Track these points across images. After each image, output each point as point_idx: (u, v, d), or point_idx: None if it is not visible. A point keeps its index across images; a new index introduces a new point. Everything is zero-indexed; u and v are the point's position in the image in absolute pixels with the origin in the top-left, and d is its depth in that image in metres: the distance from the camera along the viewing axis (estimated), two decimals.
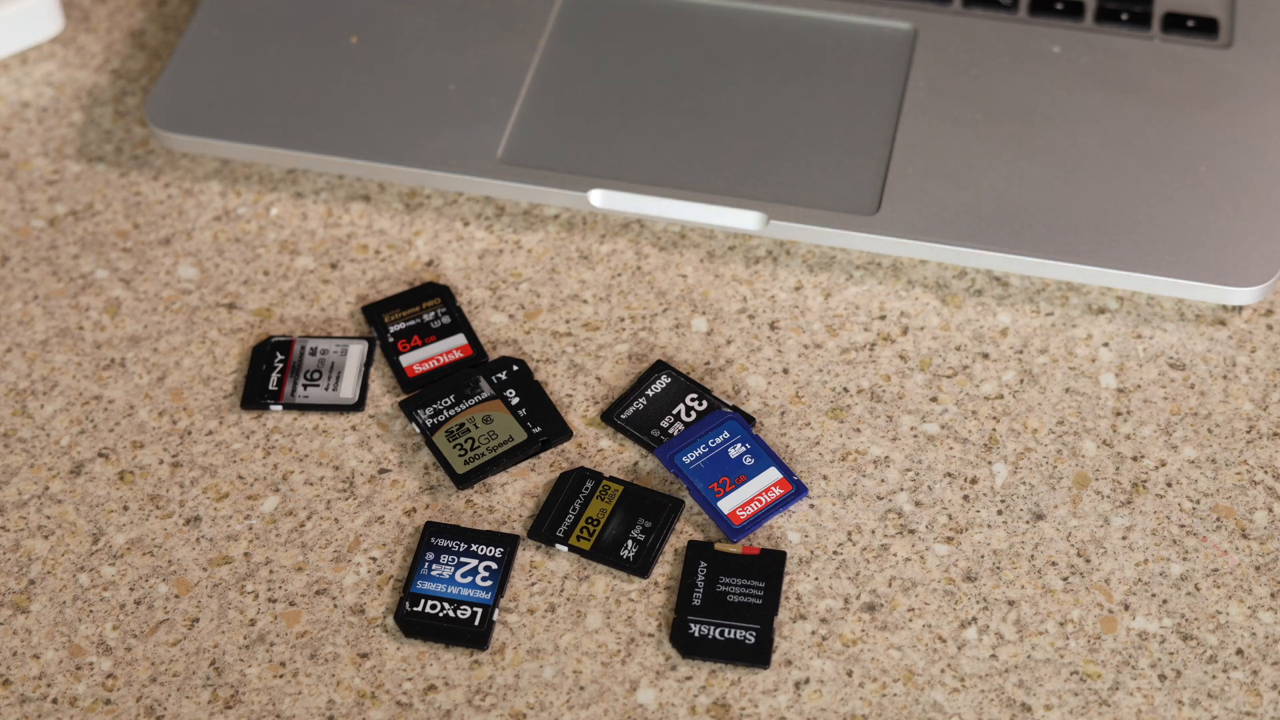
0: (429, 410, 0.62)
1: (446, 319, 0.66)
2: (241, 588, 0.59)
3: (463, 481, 0.61)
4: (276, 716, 0.57)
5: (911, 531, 0.60)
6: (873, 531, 0.61)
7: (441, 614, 0.58)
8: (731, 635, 0.58)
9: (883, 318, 0.67)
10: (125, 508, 0.62)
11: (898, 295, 0.67)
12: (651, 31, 0.74)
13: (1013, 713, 0.56)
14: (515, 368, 0.64)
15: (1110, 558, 0.60)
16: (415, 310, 0.66)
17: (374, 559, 0.60)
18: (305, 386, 0.64)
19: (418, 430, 0.63)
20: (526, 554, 0.60)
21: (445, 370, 0.65)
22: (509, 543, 0.60)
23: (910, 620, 0.58)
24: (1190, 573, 0.60)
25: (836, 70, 0.73)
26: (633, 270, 0.68)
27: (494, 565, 0.59)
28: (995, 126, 0.70)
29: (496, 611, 0.58)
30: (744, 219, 0.68)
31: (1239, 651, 0.58)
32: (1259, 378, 0.65)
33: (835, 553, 0.60)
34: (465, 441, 0.61)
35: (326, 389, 0.64)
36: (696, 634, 0.58)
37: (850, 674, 0.57)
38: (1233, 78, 0.72)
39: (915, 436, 0.63)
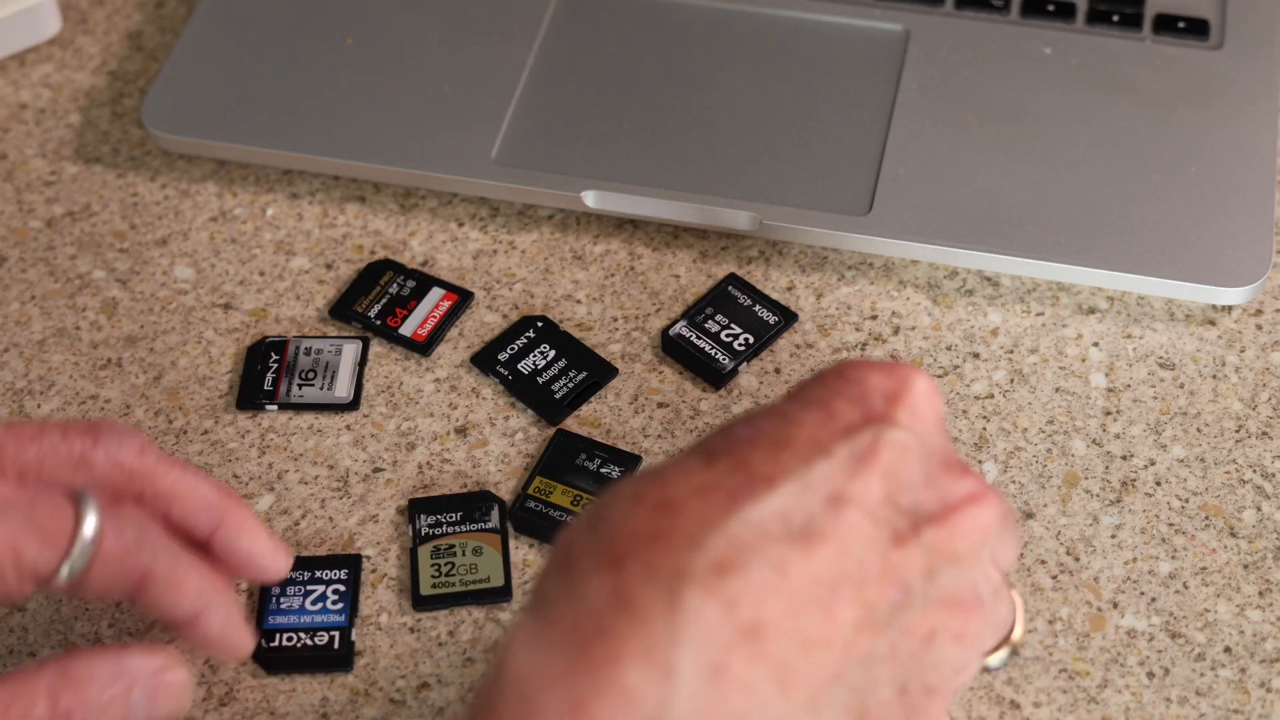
0: (430, 518, 0.61)
1: (411, 283, 0.67)
2: (235, 585, 0.60)
3: (420, 603, 0.59)
4: (270, 714, 0.57)
5: None
6: None
7: (299, 644, 0.58)
8: None
9: (874, 317, 0.67)
10: None
11: (889, 295, 0.67)
12: (645, 33, 0.74)
13: (1001, 710, 0.57)
14: (540, 324, 0.66)
15: (1099, 556, 0.60)
16: (377, 290, 0.67)
17: (368, 557, 0.61)
18: (300, 386, 0.65)
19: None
20: (519, 552, 0.61)
21: (448, 319, 0.66)
22: (352, 562, 0.60)
23: None
24: (1179, 571, 0.60)
25: (829, 71, 0.73)
26: (626, 270, 0.69)
27: (341, 587, 0.59)
28: (987, 127, 0.70)
29: (354, 632, 0.58)
30: (736, 219, 0.68)
31: (1227, 649, 0.58)
32: (1248, 377, 0.65)
33: None
34: (445, 564, 0.60)
35: (321, 388, 0.65)
36: None
37: None
38: (1223, 79, 0.72)
39: None
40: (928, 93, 0.72)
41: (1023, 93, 0.72)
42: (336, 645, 0.58)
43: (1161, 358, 0.66)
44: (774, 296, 0.67)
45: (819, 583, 0.43)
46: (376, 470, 0.63)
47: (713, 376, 0.65)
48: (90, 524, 0.51)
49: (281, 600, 0.59)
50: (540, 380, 0.64)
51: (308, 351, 0.66)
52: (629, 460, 0.62)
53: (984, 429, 0.63)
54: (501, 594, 0.59)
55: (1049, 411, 0.64)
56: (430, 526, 0.61)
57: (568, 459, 0.62)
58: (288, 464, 0.63)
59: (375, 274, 0.68)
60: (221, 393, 0.65)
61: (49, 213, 0.71)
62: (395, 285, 0.67)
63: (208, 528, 0.55)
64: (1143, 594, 0.59)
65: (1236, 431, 0.64)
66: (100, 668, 0.50)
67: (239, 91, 0.72)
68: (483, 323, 0.67)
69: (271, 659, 0.58)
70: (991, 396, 0.65)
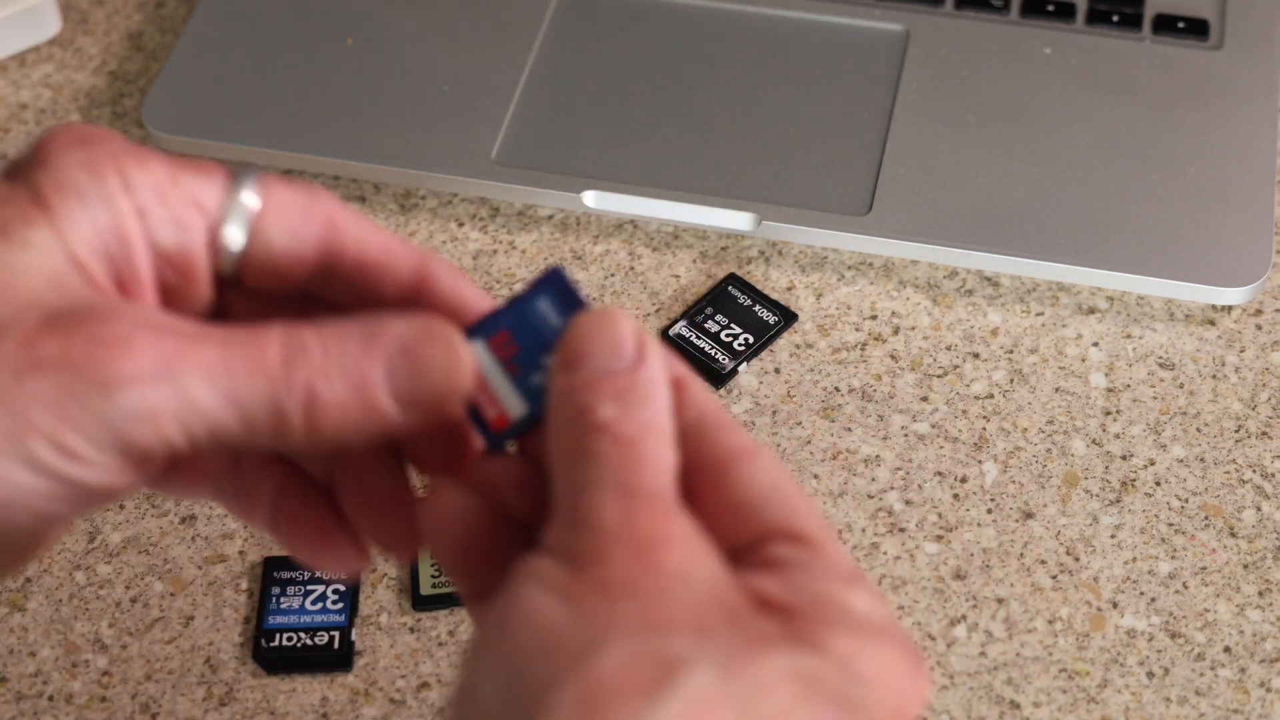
0: None
1: None
2: (236, 585, 0.60)
3: (420, 603, 0.59)
4: (271, 714, 0.57)
5: (901, 530, 0.61)
6: (863, 530, 0.61)
7: (300, 644, 0.58)
8: None
9: (874, 318, 0.67)
10: (121, 506, 0.62)
11: (889, 295, 0.67)
12: (645, 33, 0.74)
13: (1001, 710, 0.57)
14: None
15: (1099, 556, 0.60)
16: None
17: None
18: None
19: None
20: None
21: None
22: None
23: (900, 618, 0.59)
24: (1179, 571, 0.60)
25: (829, 71, 0.73)
26: (626, 270, 0.69)
27: (341, 587, 0.59)
28: (987, 127, 0.70)
29: (354, 632, 0.58)
30: (736, 219, 0.68)
31: (1227, 649, 0.58)
32: (1248, 377, 0.65)
33: None
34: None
35: None
36: None
37: None
38: (1223, 79, 0.72)
39: (906, 436, 0.63)
40: (928, 93, 0.72)
41: (1023, 93, 0.72)
42: (336, 645, 0.58)
43: (1161, 358, 0.66)
44: (774, 296, 0.67)
45: None
46: None
47: (713, 376, 0.65)
48: (248, 175, 0.41)
49: (281, 600, 0.59)
50: None
51: None
52: None
53: (984, 429, 0.63)
54: None
55: (1049, 411, 0.64)
56: None
57: None
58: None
59: None
60: None
61: None
62: None
63: (406, 275, 0.42)
64: (1142, 594, 0.59)
65: (1236, 431, 0.64)
66: (344, 325, 0.39)
67: (239, 91, 0.72)
68: None
69: (271, 659, 0.58)
70: (991, 396, 0.65)
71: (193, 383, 0.37)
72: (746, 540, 0.38)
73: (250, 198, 0.40)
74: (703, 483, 0.39)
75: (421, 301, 0.42)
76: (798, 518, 0.38)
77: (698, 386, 0.40)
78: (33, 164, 0.39)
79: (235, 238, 0.41)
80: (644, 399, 0.38)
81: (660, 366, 0.39)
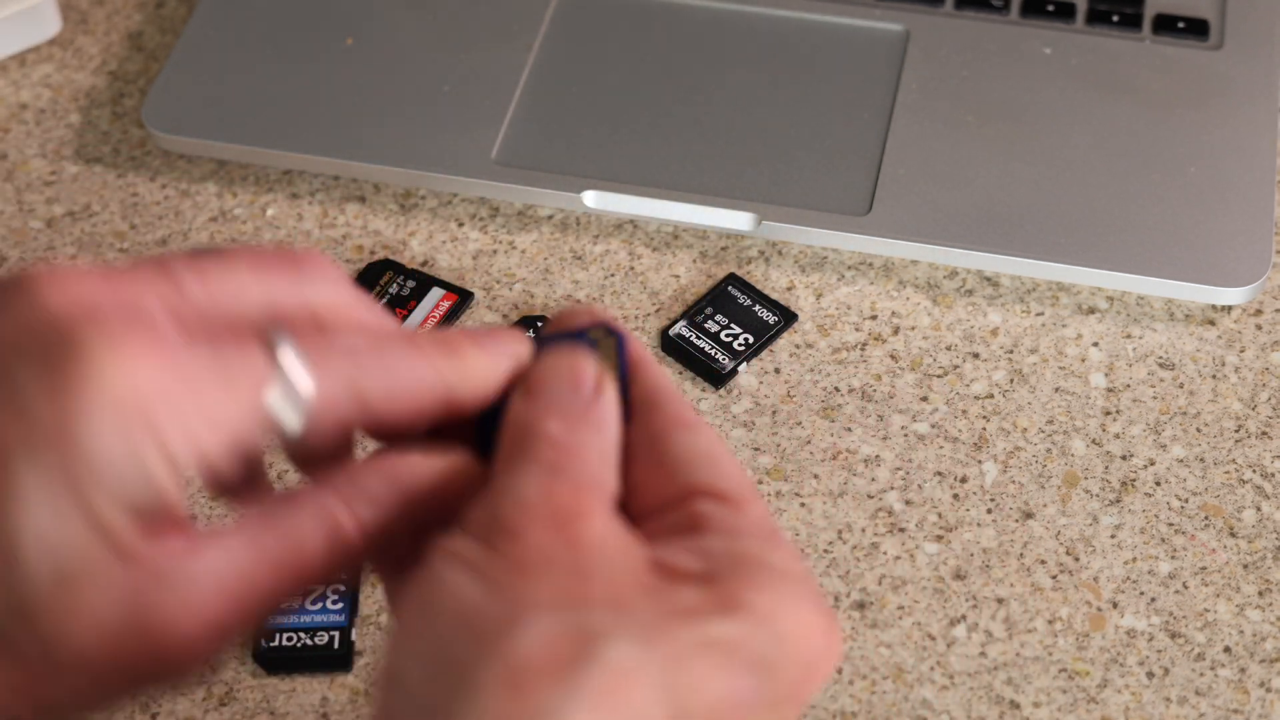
0: None
1: (411, 283, 0.67)
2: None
3: None
4: (270, 714, 0.57)
5: (901, 530, 0.61)
6: (863, 530, 0.61)
7: (299, 644, 0.58)
8: None
9: (874, 318, 0.67)
10: None
11: (889, 295, 0.67)
12: (645, 33, 0.74)
13: (1001, 710, 0.57)
14: (540, 324, 0.66)
15: (1099, 556, 0.60)
16: (377, 291, 0.67)
17: None
18: None
19: None
20: None
21: (448, 319, 0.66)
22: None
23: (900, 618, 0.59)
24: (1179, 571, 0.60)
25: (829, 71, 0.73)
26: (626, 270, 0.69)
27: (341, 587, 0.59)
28: (987, 127, 0.70)
29: (354, 632, 0.58)
30: (736, 219, 0.68)
31: (1227, 649, 0.58)
32: (1248, 377, 0.65)
33: (826, 551, 0.60)
34: None
35: None
36: None
37: (840, 671, 0.58)
38: (1223, 79, 0.72)
39: (906, 436, 0.63)
40: (928, 93, 0.72)
41: (1023, 93, 0.72)
42: (336, 645, 0.58)
43: (1161, 358, 0.66)
44: (774, 296, 0.67)
45: None
46: None
47: (713, 376, 0.65)
48: (292, 363, 0.39)
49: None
50: None
51: None
52: None
53: (984, 429, 0.63)
54: None
55: (1049, 411, 0.64)
56: None
57: None
58: (287, 463, 0.63)
59: (375, 274, 0.68)
60: None
61: (49, 213, 0.71)
62: (395, 285, 0.67)
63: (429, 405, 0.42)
64: (1142, 594, 0.59)
65: (1236, 431, 0.64)
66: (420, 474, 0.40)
67: (239, 91, 0.72)
68: (483, 323, 0.67)
69: (271, 659, 0.58)
70: (991, 396, 0.65)
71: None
72: (673, 495, 0.39)
73: (300, 396, 0.39)
74: (642, 446, 0.40)
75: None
76: (724, 479, 0.39)
77: (655, 367, 0.41)
78: (62, 434, 0.36)
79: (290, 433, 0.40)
80: (592, 427, 0.39)
81: (614, 405, 0.40)
